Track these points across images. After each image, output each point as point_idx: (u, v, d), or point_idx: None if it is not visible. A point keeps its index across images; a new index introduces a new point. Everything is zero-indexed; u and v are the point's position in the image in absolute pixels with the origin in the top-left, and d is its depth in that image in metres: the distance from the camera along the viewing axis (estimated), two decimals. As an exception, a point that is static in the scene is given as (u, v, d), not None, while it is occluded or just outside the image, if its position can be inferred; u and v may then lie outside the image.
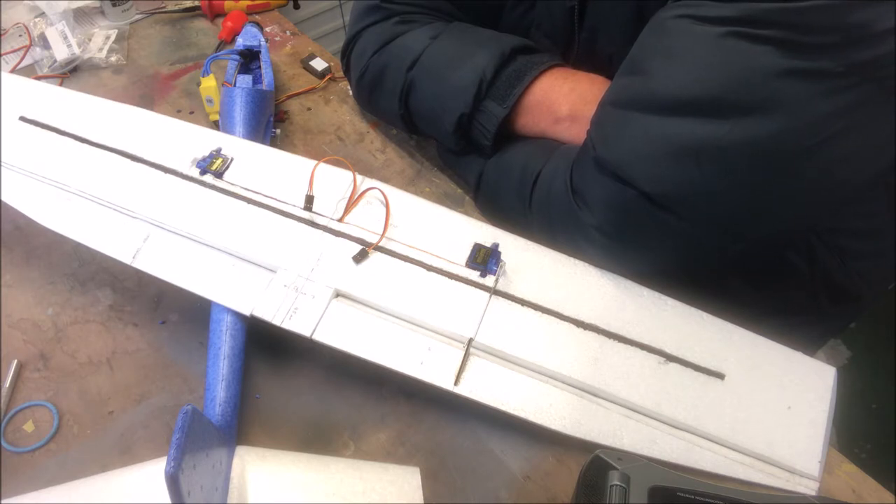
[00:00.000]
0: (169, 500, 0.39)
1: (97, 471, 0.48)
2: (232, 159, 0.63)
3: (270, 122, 0.77)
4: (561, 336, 0.55)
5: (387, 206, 0.60)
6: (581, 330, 0.55)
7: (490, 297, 0.56)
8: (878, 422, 1.42)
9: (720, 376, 0.54)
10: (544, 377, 0.53)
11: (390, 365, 0.52)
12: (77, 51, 0.88)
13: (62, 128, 0.65)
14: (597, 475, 0.46)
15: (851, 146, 0.49)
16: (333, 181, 0.62)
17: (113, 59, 0.90)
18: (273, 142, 0.77)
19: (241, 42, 0.83)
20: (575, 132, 0.63)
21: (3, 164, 0.62)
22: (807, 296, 0.69)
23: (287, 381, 0.58)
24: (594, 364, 0.54)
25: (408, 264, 0.57)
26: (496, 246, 0.59)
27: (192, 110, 0.83)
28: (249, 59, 0.82)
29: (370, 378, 0.56)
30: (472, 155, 0.70)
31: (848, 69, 0.45)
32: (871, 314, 0.84)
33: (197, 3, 0.99)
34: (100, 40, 0.92)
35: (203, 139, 0.65)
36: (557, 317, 0.56)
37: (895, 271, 0.71)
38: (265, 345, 0.58)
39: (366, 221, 0.60)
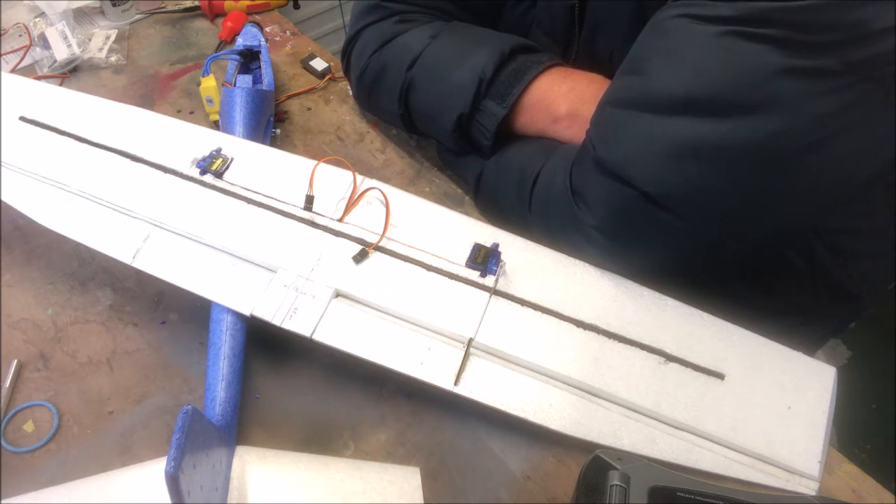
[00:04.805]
0: (169, 500, 0.39)
1: (97, 471, 0.48)
2: (232, 159, 0.63)
3: (270, 122, 0.77)
4: (561, 336, 0.55)
5: (387, 206, 0.60)
6: (581, 330, 0.55)
7: (490, 297, 0.56)
8: (878, 422, 1.42)
9: (720, 376, 0.54)
10: (544, 377, 0.53)
11: (390, 365, 0.52)
12: (77, 51, 0.88)
13: (62, 128, 0.65)
14: (597, 475, 0.46)
15: (851, 144, 0.49)
16: (333, 181, 0.62)
17: (113, 59, 0.90)
18: (273, 142, 0.77)
19: (241, 42, 0.83)
20: (574, 131, 0.63)
21: (3, 164, 0.62)
22: (807, 296, 0.69)
23: (287, 381, 0.58)
24: (594, 364, 0.54)
25: (408, 264, 0.57)
26: (496, 246, 0.58)
27: (192, 110, 0.83)
28: (249, 59, 0.82)
29: (370, 378, 0.56)
30: (472, 155, 0.70)
31: (847, 68, 0.45)
32: (871, 314, 0.84)
33: (197, 3, 0.99)
34: (100, 40, 0.92)
35: (203, 139, 0.65)
36: (557, 317, 0.56)
37: (895, 271, 0.71)
38: (265, 345, 0.58)
39: (366, 221, 0.60)
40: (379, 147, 0.80)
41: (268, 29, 0.97)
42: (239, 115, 0.70)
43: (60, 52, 0.87)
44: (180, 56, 0.92)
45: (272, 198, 0.61)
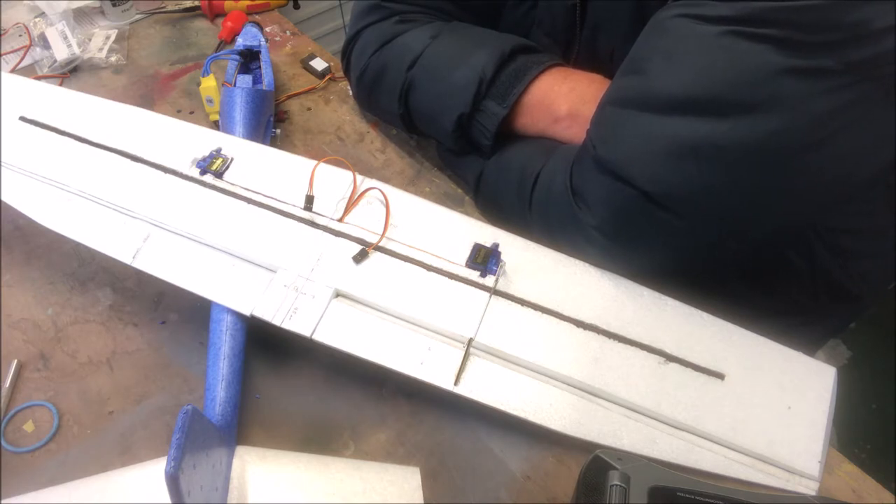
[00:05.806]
0: (169, 500, 0.39)
1: (97, 471, 0.48)
2: (232, 159, 0.63)
3: (270, 122, 0.77)
4: (561, 336, 0.55)
5: (387, 206, 0.60)
6: (581, 330, 0.55)
7: (490, 297, 0.56)
8: (878, 422, 1.42)
9: (720, 376, 0.54)
10: (544, 377, 0.53)
11: (390, 365, 0.52)
12: (77, 51, 0.88)
13: (62, 128, 0.65)
14: (597, 475, 0.46)
15: (851, 144, 0.49)
16: (333, 181, 0.62)
17: (113, 59, 0.90)
18: (273, 142, 0.77)
19: (241, 42, 0.83)
20: (574, 131, 0.63)
21: (3, 164, 0.62)
22: (807, 296, 0.69)
23: (287, 381, 0.58)
24: (594, 364, 0.54)
25: (408, 264, 0.57)
26: (496, 246, 0.58)
27: (192, 110, 0.83)
28: (249, 59, 0.82)
29: (370, 378, 0.56)
30: (472, 155, 0.70)
31: (847, 67, 0.45)
32: (871, 314, 0.84)
33: (197, 3, 0.99)
34: (100, 40, 0.92)
35: (203, 139, 0.65)
36: (557, 317, 0.56)
37: (895, 271, 0.71)
38: (265, 345, 0.58)
39: (366, 221, 0.60)
40: (379, 147, 0.80)
41: (268, 29, 0.97)
42: (239, 115, 0.70)
43: (60, 52, 0.87)
44: (180, 56, 0.92)
45: (272, 198, 0.61)
